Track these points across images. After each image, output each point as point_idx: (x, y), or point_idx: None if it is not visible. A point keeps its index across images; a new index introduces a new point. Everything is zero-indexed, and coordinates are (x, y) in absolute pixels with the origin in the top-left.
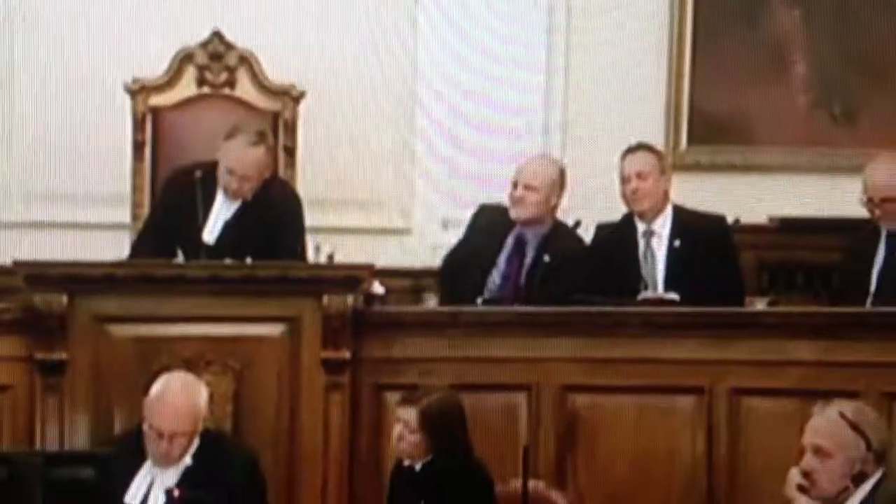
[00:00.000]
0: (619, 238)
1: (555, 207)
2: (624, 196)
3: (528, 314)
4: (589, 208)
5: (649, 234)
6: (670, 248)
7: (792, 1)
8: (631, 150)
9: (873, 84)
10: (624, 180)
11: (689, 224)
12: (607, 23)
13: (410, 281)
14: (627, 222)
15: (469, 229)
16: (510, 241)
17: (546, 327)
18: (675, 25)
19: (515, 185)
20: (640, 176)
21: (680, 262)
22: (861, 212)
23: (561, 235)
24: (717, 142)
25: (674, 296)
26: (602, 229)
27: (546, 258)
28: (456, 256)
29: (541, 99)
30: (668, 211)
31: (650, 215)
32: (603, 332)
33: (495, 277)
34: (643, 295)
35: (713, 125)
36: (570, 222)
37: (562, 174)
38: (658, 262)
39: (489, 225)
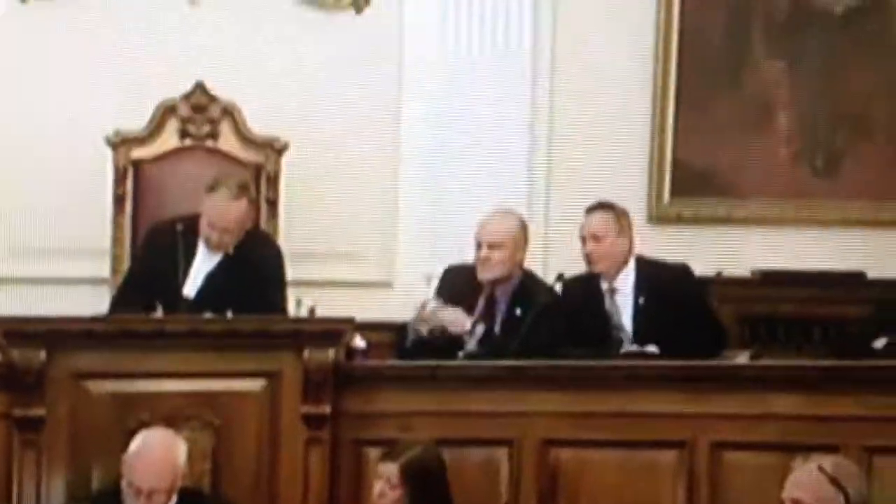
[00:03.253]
0: (584, 293)
1: (521, 261)
2: (583, 256)
3: (509, 368)
4: (574, 262)
5: (612, 291)
6: (635, 306)
7: (775, 54)
8: (589, 210)
9: (855, 137)
10: (582, 241)
11: (652, 279)
12: (591, 77)
13: (392, 335)
14: (593, 277)
15: (438, 292)
16: (481, 302)
17: (527, 381)
18: (658, 78)
19: (479, 246)
20: (595, 238)
21: (646, 319)
22: (843, 264)
23: (531, 288)
24: (700, 194)
25: (654, 349)
26: (568, 283)
27: (518, 312)
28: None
29: (524, 154)
30: (631, 266)
31: (611, 273)
32: (585, 386)
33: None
34: (625, 349)
35: (696, 178)
36: (553, 276)
37: (523, 226)
38: (624, 318)
39: (458, 286)
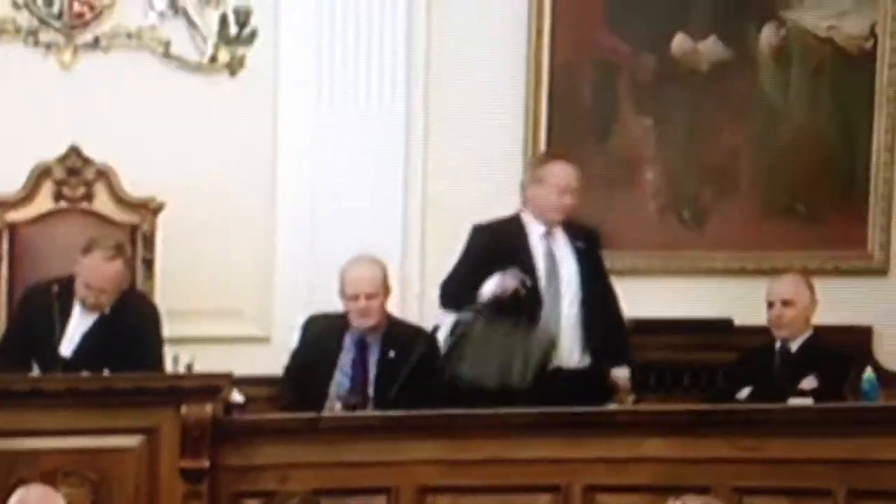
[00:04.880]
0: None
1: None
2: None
3: (386, 418)
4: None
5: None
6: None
7: (643, 111)
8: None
9: (721, 190)
10: None
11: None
12: (464, 135)
13: (270, 389)
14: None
15: (301, 343)
16: (348, 344)
17: (404, 430)
18: (528, 133)
19: (356, 297)
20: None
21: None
22: (711, 312)
23: (400, 329)
24: None
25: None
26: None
27: (391, 354)
28: (294, 369)
29: (399, 209)
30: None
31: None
32: (460, 434)
33: (342, 381)
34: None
35: None
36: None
37: (385, 270)
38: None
39: (321, 333)
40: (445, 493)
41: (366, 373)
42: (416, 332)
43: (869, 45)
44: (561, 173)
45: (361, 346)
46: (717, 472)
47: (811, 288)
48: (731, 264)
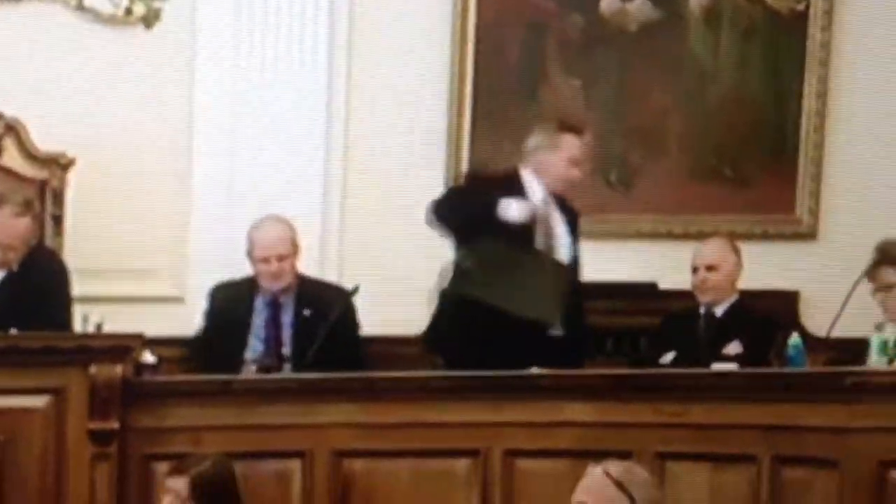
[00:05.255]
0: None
1: None
2: None
3: (301, 381)
4: (371, 274)
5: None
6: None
7: (571, 72)
8: None
9: (649, 152)
10: None
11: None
12: (387, 92)
13: (183, 350)
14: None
15: (209, 313)
16: (259, 307)
17: (320, 393)
18: (454, 96)
19: (267, 260)
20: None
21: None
22: (637, 276)
23: (313, 287)
24: None
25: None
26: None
27: (306, 312)
28: (206, 341)
29: (319, 167)
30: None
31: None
32: (377, 397)
33: (255, 344)
34: None
35: None
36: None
37: (294, 229)
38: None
39: (229, 300)
40: (361, 456)
41: (280, 334)
42: (333, 289)
43: (801, 6)
44: (576, 145)
45: (274, 308)
46: (639, 437)
47: (737, 252)
48: (659, 228)
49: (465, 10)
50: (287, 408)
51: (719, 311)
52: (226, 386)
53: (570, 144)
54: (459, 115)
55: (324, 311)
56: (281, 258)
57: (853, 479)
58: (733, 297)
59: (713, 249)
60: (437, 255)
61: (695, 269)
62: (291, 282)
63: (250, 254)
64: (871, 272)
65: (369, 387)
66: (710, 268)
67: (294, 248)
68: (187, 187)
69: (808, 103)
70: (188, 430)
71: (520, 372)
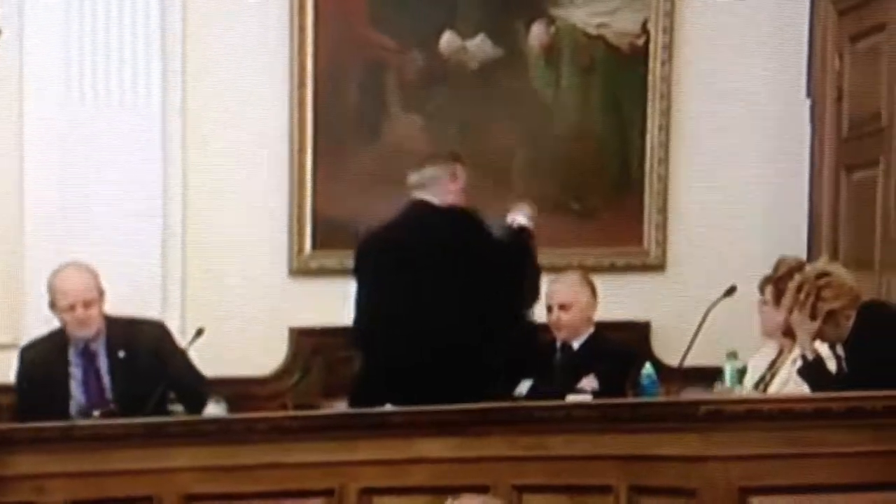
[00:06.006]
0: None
1: None
2: None
3: (147, 425)
4: (216, 315)
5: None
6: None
7: (410, 108)
8: None
9: (493, 188)
10: None
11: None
12: (226, 130)
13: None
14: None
15: (22, 376)
16: (73, 357)
17: (167, 437)
18: (294, 133)
19: (72, 308)
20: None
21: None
22: None
23: (120, 327)
24: (343, 247)
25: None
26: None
27: (121, 354)
28: (27, 405)
29: (158, 210)
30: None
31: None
32: (228, 439)
33: (76, 393)
34: None
35: (337, 230)
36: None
37: (96, 274)
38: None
39: (41, 357)
40: (211, 500)
41: (100, 381)
42: (143, 324)
43: (641, 41)
44: (465, 175)
45: (88, 356)
46: (496, 470)
47: (591, 286)
48: None
49: (302, 52)
50: (132, 452)
51: (576, 344)
52: (68, 432)
53: (462, 175)
54: (301, 154)
55: (136, 348)
56: (87, 304)
57: None
58: (589, 331)
59: (565, 288)
60: (279, 294)
61: (549, 308)
62: (100, 326)
63: (54, 305)
64: (762, 287)
65: (219, 429)
66: (563, 307)
67: (99, 293)
68: (19, 232)
69: (652, 136)
70: (31, 478)
71: (371, 410)
